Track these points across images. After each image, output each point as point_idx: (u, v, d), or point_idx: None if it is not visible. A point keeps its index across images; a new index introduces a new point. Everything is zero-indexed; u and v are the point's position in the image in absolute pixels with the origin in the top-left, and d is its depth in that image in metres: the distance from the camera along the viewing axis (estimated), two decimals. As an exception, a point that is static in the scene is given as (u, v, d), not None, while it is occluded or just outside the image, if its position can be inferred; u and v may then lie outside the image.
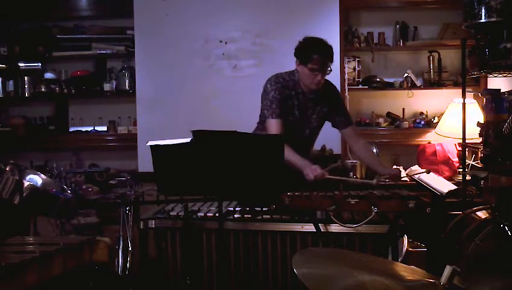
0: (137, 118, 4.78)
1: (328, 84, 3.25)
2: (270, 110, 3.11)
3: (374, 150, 4.45)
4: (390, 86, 4.84)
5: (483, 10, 3.29)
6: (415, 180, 4.16)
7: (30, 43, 5.11)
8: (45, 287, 2.08)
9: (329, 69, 3.08)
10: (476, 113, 4.11)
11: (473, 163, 4.29)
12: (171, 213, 2.82)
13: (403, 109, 4.90)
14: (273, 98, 3.12)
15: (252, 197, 2.78)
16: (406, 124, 4.81)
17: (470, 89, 4.41)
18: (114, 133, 5.10)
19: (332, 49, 3.09)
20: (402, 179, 4.54)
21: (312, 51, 3.04)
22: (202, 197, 2.92)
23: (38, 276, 2.04)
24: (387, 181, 3.15)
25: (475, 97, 4.43)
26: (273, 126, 3.10)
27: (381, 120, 4.89)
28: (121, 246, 3.10)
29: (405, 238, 3.09)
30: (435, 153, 4.63)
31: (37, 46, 5.09)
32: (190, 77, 4.72)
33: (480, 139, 3.45)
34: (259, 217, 2.73)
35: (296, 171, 2.91)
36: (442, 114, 4.57)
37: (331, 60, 3.08)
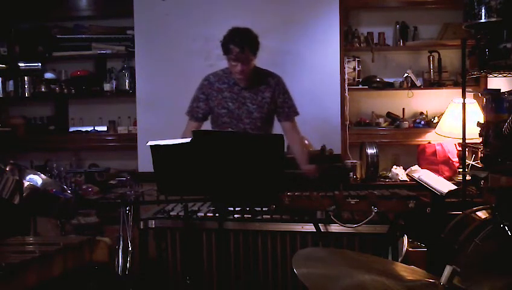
0: (137, 118, 4.78)
1: (272, 75, 3.32)
2: (189, 108, 3.34)
3: (374, 150, 4.46)
4: (390, 86, 4.84)
5: (483, 10, 3.29)
6: (415, 180, 4.18)
7: (30, 43, 5.10)
8: (45, 287, 2.08)
9: (251, 58, 3.13)
10: (476, 113, 4.10)
11: (473, 163, 4.29)
12: (171, 213, 2.82)
13: (403, 109, 4.90)
14: (195, 97, 3.34)
15: (252, 197, 2.78)
16: (406, 124, 4.81)
17: (470, 89, 4.41)
18: (114, 133, 5.09)
19: (249, 36, 3.12)
20: (402, 179, 4.57)
21: (227, 42, 3.14)
22: (202, 197, 2.92)
23: (38, 276, 2.04)
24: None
25: (475, 97, 4.42)
26: (187, 126, 3.31)
27: (381, 120, 4.89)
28: (121, 246, 3.10)
29: (405, 238, 3.09)
30: (435, 153, 4.63)
31: (37, 46, 5.09)
32: (190, 77, 4.69)
33: (480, 139, 3.45)
34: (259, 217, 2.73)
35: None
36: (442, 114, 4.57)
37: (251, 49, 3.12)
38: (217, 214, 2.67)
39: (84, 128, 5.19)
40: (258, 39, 3.15)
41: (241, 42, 3.09)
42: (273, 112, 3.34)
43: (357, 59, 4.81)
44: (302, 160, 3.33)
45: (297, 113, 3.37)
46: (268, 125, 3.37)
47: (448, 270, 1.37)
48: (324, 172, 3.34)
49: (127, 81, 5.03)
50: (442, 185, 3.97)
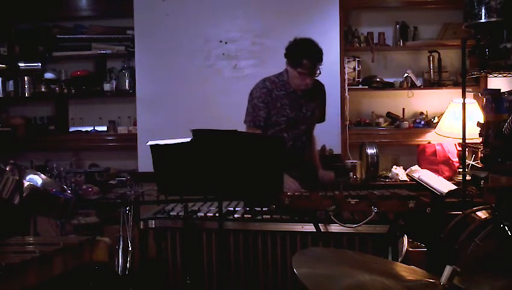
0: (137, 118, 4.78)
1: (319, 83, 3.32)
2: (250, 116, 3.23)
3: (374, 150, 4.46)
4: (390, 86, 4.84)
5: (483, 10, 3.29)
6: (415, 180, 4.18)
7: (30, 43, 5.10)
8: (45, 287, 2.08)
9: (318, 72, 3.12)
10: (476, 113, 4.11)
11: (473, 163, 4.29)
12: (171, 213, 2.82)
13: (403, 109, 4.90)
14: (254, 105, 3.22)
15: (252, 197, 2.78)
16: (406, 124, 4.81)
17: (470, 89, 4.41)
18: (114, 133, 5.09)
19: (321, 52, 3.10)
20: (402, 179, 4.57)
21: (302, 56, 3.08)
22: (202, 197, 2.93)
23: (38, 276, 2.04)
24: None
25: (475, 97, 4.43)
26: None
27: (381, 120, 4.89)
28: (121, 246, 3.11)
29: (405, 238, 3.09)
30: (435, 153, 4.63)
31: (37, 46, 5.09)
32: (190, 77, 4.71)
33: (480, 139, 3.45)
34: (259, 217, 2.73)
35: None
36: (442, 114, 4.57)
37: (321, 63, 3.11)
38: (217, 214, 2.67)
39: (84, 128, 5.19)
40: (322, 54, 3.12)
41: (315, 58, 3.07)
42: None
43: (357, 59, 4.81)
44: (319, 165, 3.41)
45: (324, 120, 3.44)
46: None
47: (448, 270, 1.37)
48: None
49: (127, 81, 5.03)
50: (442, 185, 3.97)
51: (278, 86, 3.23)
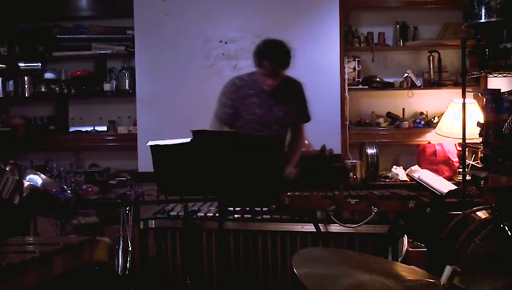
0: (137, 118, 4.78)
1: (294, 83, 3.29)
2: (216, 113, 3.28)
3: (374, 150, 4.46)
4: (390, 86, 4.84)
5: (483, 10, 3.29)
6: (415, 180, 4.18)
7: (30, 43, 5.10)
8: (45, 287, 2.08)
9: (282, 72, 3.09)
10: (476, 113, 4.11)
11: (473, 163, 4.29)
12: (171, 213, 2.82)
13: (403, 109, 4.90)
14: (222, 102, 3.27)
15: (252, 197, 2.78)
16: (406, 124, 4.81)
17: (470, 89, 4.41)
18: (114, 133, 5.09)
19: (285, 55, 3.07)
20: (402, 179, 4.57)
21: (262, 57, 3.07)
22: (202, 197, 2.92)
23: (38, 276, 2.04)
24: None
25: (475, 97, 4.43)
26: (217, 128, 3.24)
27: (381, 120, 4.89)
28: (121, 246, 3.10)
29: (405, 238, 3.09)
30: (435, 153, 4.63)
31: (37, 46, 5.09)
32: (190, 77, 4.71)
33: (480, 139, 3.45)
34: (259, 217, 2.73)
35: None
36: (442, 114, 4.57)
37: (283, 67, 3.08)
38: (217, 214, 2.67)
39: (84, 128, 5.19)
40: (290, 53, 3.08)
41: (275, 59, 3.05)
42: (295, 117, 3.36)
43: (357, 59, 4.81)
44: (292, 163, 3.34)
45: (309, 119, 3.39)
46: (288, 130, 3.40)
47: (448, 270, 1.37)
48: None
49: (127, 81, 5.03)
50: (442, 185, 3.97)
51: (248, 84, 3.24)
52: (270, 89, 3.16)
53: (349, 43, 4.83)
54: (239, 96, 3.23)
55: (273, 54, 3.05)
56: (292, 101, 3.29)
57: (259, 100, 3.22)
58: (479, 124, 3.40)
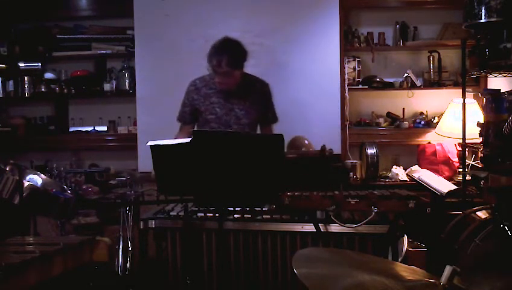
0: (137, 118, 4.78)
1: (259, 81, 3.32)
2: (178, 114, 3.40)
3: (374, 150, 4.46)
4: (390, 86, 4.84)
5: (483, 10, 3.29)
6: (415, 180, 4.18)
7: (30, 43, 5.10)
8: (45, 287, 2.08)
9: (232, 72, 3.11)
10: (476, 113, 4.11)
11: (473, 163, 4.29)
12: (171, 213, 2.82)
13: (403, 109, 4.90)
14: (183, 102, 3.36)
15: (252, 197, 2.78)
16: (406, 124, 4.81)
17: (470, 89, 4.41)
18: (114, 133, 5.10)
19: (237, 54, 3.10)
20: (402, 179, 4.57)
21: (212, 55, 3.11)
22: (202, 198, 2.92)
23: (38, 276, 2.04)
24: None
25: (475, 97, 4.43)
26: (180, 130, 3.38)
27: (381, 120, 4.89)
28: (121, 246, 3.10)
29: (405, 238, 3.09)
30: (435, 153, 4.63)
31: (37, 46, 5.09)
32: (190, 77, 4.69)
33: (480, 139, 3.45)
34: (259, 217, 2.73)
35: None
36: (442, 114, 4.57)
37: (233, 66, 3.10)
38: (217, 214, 2.67)
39: (84, 128, 5.20)
40: (242, 53, 3.11)
41: (224, 57, 3.07)
42: (258, 117, 3.37)
43: (357, 59, 4.81)
44: None
45: (277, 120, 3.42)
46: (254, 130, 3.40)
47: (448, 270, 1.37)
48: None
49: (127, 81, 5.03)
50: (442, 185, 3.97)
51: (208, 84, 3.28)
52: (223, 88, 3.20)
53: (349, 43, 4.83)
54: (199, 96, 3.29)
55: (222, 52, 3.08)
56: (254, 101, 3.30)
57: (219, 100, 3.26)
58: (479, 124, 3.40)
